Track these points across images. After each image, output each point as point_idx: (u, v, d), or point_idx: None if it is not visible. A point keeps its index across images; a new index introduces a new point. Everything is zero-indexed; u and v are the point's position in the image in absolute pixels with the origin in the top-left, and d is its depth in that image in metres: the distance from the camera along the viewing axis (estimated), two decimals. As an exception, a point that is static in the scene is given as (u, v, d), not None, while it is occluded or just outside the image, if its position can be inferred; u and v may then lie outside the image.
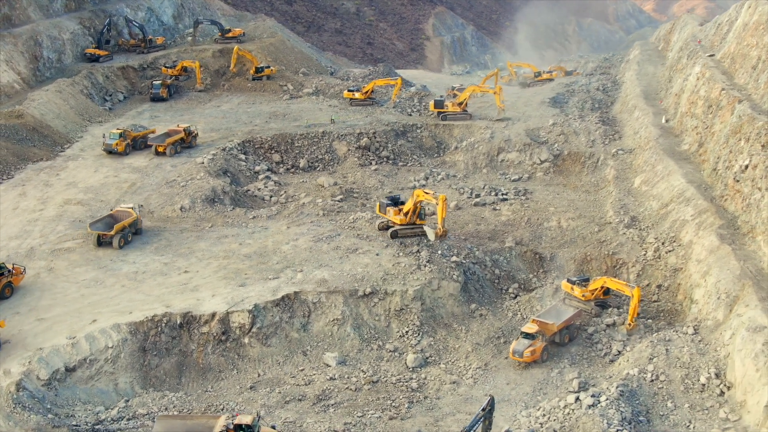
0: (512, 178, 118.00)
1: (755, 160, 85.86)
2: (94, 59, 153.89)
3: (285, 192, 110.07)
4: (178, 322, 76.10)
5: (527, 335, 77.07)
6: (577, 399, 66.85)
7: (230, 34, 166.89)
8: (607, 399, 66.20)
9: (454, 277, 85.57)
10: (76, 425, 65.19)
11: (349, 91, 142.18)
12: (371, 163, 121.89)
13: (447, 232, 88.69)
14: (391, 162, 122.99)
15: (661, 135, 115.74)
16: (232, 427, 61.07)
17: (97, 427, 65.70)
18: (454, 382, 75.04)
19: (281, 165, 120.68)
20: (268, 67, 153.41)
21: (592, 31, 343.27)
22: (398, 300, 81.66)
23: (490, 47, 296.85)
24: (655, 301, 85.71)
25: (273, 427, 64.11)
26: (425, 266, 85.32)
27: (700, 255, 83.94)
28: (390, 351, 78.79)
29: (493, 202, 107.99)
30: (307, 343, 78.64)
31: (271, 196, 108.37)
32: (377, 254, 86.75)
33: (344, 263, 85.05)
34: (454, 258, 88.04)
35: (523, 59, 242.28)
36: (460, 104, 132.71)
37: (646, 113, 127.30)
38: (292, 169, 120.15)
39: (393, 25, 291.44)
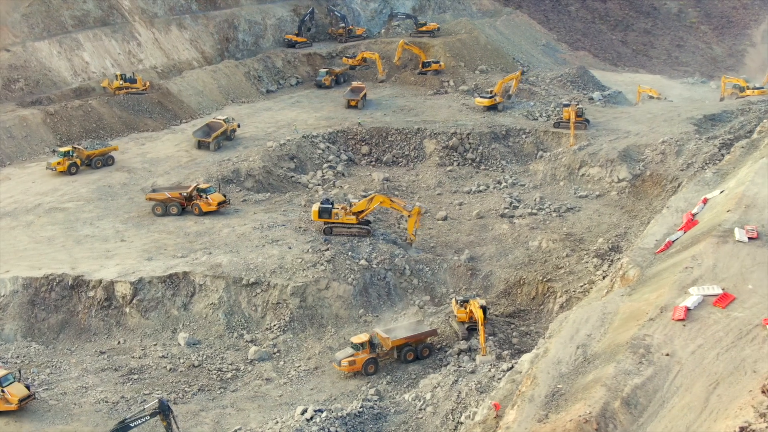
0: (579, 194, 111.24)
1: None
2: (291, 45, 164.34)
3: (332, 182, 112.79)
4: (70, 283, 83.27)
5: (354, 345, 75.38)
6: (304, 411, 65.45)
7: (425, 28, 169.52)
8: (327, 416, 64.27)
9: (350, 280, 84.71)
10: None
11: (481, 98, 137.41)
12: (451, 164, 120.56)
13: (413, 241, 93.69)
14: (473, 165, 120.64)
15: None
16: (-11, 378, 68.21)
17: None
18: (267, 379, 75.55)
19: (367, 157, 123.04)
20: (437, 62, 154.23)
21: None
22: (277, 294, 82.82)
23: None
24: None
25: (27, 387, 69.45)
26: (322, 265, 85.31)
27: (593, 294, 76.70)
28: (246, 341, 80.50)
29: (520, 215, 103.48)
30: (182, 322, 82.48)
31: (317, 184, 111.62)
32: (289, 247, 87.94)
33: (253, 252, 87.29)
34: (362, 261, 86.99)
35: None
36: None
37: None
38: (375, 162, 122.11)
39: (716, 28, 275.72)
